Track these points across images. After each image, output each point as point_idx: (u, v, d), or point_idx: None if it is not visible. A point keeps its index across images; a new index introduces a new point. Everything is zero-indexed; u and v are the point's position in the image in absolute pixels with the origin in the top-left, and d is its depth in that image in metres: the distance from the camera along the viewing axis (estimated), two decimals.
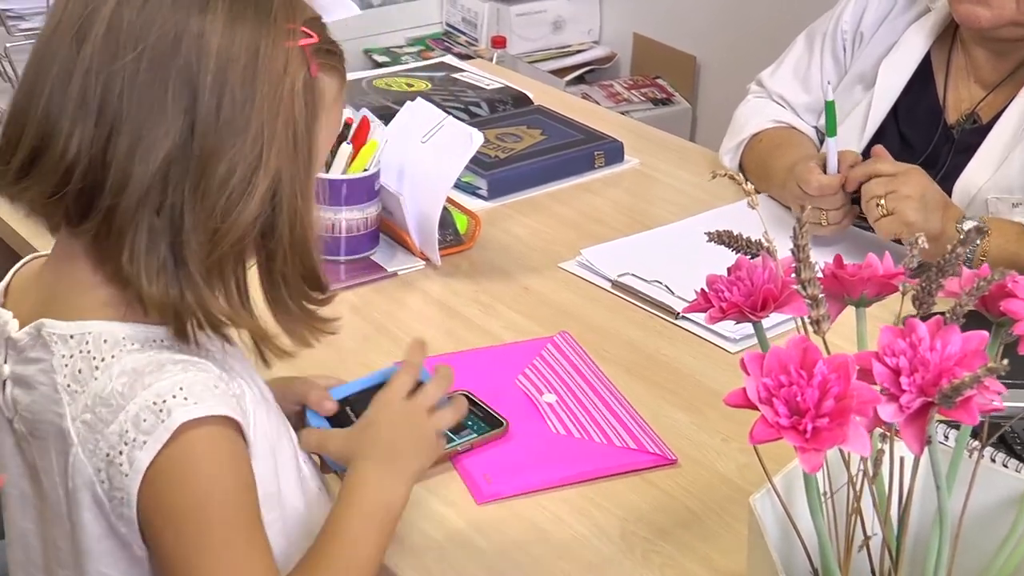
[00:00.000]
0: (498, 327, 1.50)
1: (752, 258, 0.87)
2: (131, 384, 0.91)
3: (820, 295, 0.78)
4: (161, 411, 0.89)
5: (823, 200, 1.60)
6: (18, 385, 0.98)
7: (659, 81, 3.39)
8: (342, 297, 1.54)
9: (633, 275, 1.58)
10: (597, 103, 3.27)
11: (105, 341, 0.93)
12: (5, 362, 0.99)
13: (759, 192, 1.81)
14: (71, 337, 0.94)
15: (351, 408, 1.15)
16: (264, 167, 0.90)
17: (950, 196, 1.60)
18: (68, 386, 0.94)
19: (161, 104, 0.88)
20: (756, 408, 0.72)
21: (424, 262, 1.63)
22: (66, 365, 0.94)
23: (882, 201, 1.51)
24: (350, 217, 1.58)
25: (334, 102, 0.99)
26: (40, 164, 0.91)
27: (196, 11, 0.90)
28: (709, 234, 0.90)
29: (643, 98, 3.32)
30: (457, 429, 1.26)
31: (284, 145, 0.92)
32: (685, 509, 1.20)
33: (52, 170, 0.90)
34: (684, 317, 1.50)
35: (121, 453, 0.90)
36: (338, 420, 1.14)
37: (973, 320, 0.80)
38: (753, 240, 0.88)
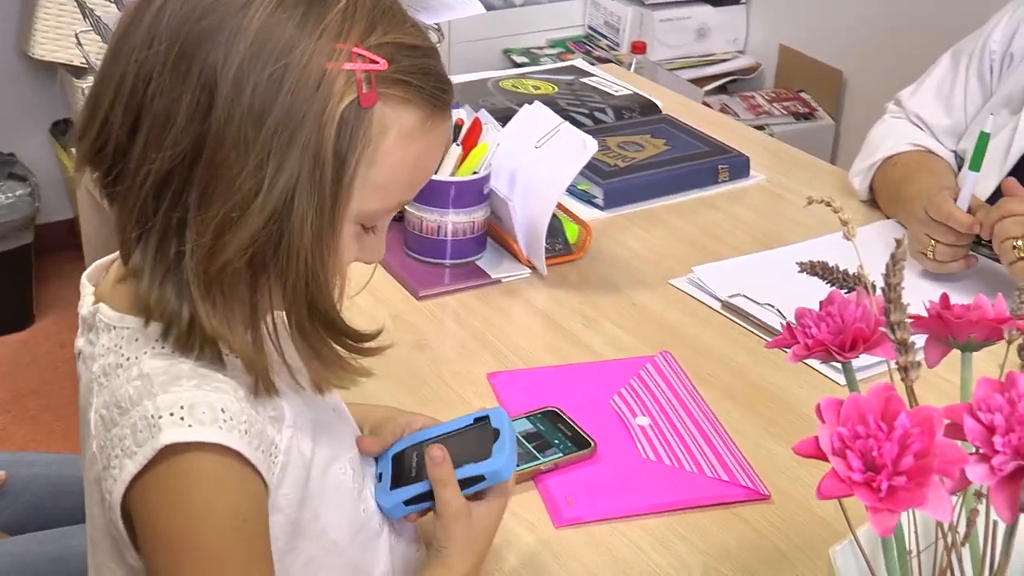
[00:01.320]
0: (599, 342, 1.45)
1: (847, 292, 0.80)
2: (140, 391, 0.87)
3: (911, 340, 0.71)
4: (154, 426, 0.85)
5: (945, 232, 1.51)
6: (83, 360, 0.98)
7: (803, 95, 3.28)
8: (443, 302, 1.52)
9: (745, 296, 1.51)
10: (737, 115, 3.19)
11: (136, 340, 0.91)
12: (80, 334, 0.99)
13: (888, 217, 1.74)
14: (113, 329, 0.92)
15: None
16: (266, 193, 0.83)
17: None
18: (99, 377, 0.92)
19: (179, 102, 0.84)
20: (827, 459, 0.65)
21: (530, 270, 1.59)
22: (102, 355, 0.93)
23: (1018, 243, 1.41)
24: (456, 220, 1.55)
25: (407, 138, 0.89)
26: (104, 149, 0.88)
27: (238, 9, 0.84)
28: (801, 264, 0.83)
29: (785, 112, 3.22)
30: (543, 447, 1.22)
31: (299, 175, 0.84)
32: (774, 548, 1.13)
33: (97, 148, 0.88)
34: None
35: (116, 458, 0.87)
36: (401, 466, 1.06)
37: None
38: (849, 273, 0.81)
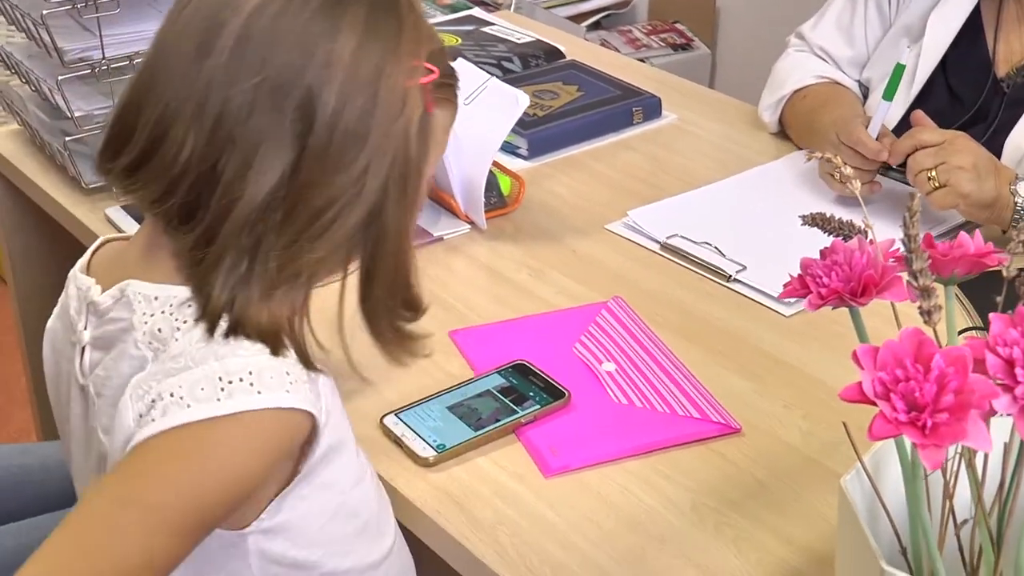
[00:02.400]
0: (550, 292, 1.49)
1: (846, 240, 0.86)
2: (205, 351, 0.90)
3: (932, 285, 0.77)
4: (223, 389, 0.88)
5: (853, 157, 1.58)
6: (96, 348, 0.99)
7: (678, 26, 3.35)
8: None
9: (682, 236, 1.57)
10: (617, 49, 3.24)
11: (189, 305, 0.93)
12: (85, 328, 0.99)
13: (800, 148, 1.81)
14: (155, 298, 0.95)
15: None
16: (360, 202, 0.90)
17: (1001, 152, 1.58)
18: (150, 343, 0.94)
19: (276, 134, 0.88)
20: (873, 403, 0.71)
21: (469, 226, 1.62)
22: (145, 323, 0.94)
23: (932, 174, 1.49)
24: None
25: (443, 133, 1.00)
26: (149, 167, 0.90)
27: (325, 40, 0.89)
28: (803, 217, 0.88)
29: (662, 44, 3.29)
30: (519, 400, 1.26)
31: (390, 183, 0.92)
32: (753, 479, 1.19)
33: (160, 175, 0.90)
34: (736, 280, 1.49)
35: (158, 403, 0.89)
36: None
37: None
38: (846, 222, 0.87)
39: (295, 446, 0.92)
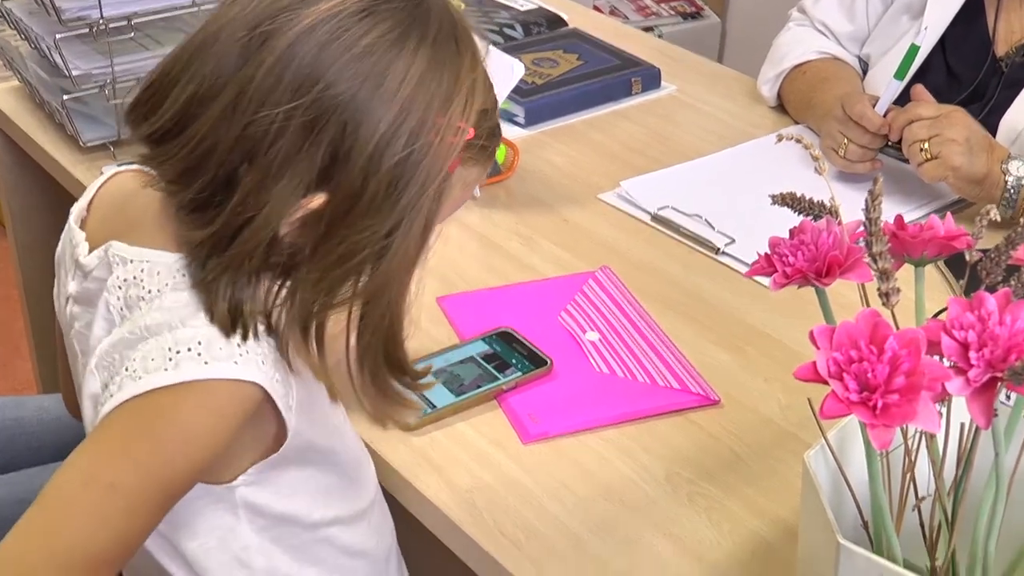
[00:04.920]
0: (538, 260, 1.51)
1: (815, 220, 0.87)
2: (161, 322, 0.90)
3: (890, 267, 0.78)
4: (171, 359, 0.88)
5: (857, 131, 1.59)
6: (77, 302, 1.00)
7: None
8: None
9: (673, 208, 1.58)
10: (626, 16, 3.23)
11: (158, 273, 0.93)
12: (72, 279, 1.01)
13: (797, 123, 1.82)
14: (131, 261, 0.95)
15: None
16: (392, 256, 0.89)
17: (996, 131, 1.58)
18: (120, 309, 0.95)
19: (303, 164, 0.85)
20: (826, 383, 0.72)
21: None
22: (119, 287, 0.95)
23: (925, 145, 1.50)
24: None
25: (464, 190, 0.97)
26: (172, 145, 0.89)
27: (371, 83, 0.85)
28: (773, 196, 0.89)
29: (672, 12, 3.28)
30: (502, 367, 1.27)
31: (410, 238, 0.89)
32: (729, 451, 1.21)
33: (180, 158, 0.88)
34: (725, 253, 1.50)
35: (115, 376, 0.90)
36: None
37: None
38: (816, 202, 0.88)
39: (248, 417, 0.92)
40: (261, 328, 0.91)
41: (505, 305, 1.41)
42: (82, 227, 1.03)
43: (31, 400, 1.52)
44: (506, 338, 1.32)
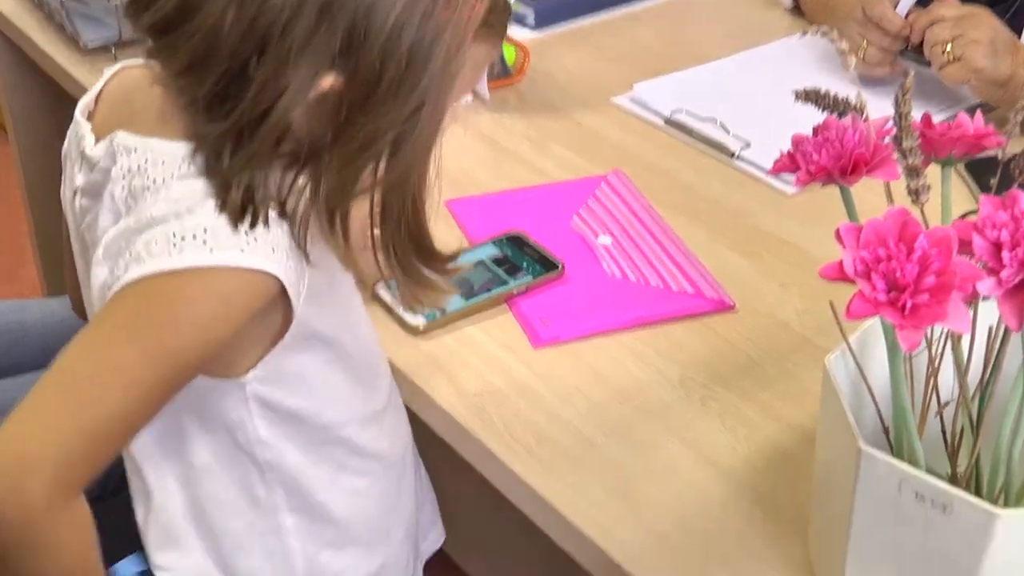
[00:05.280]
0: (550, 165, 1.48)
1: (840, 117, 0.84)
2: (167, 212, 0.88)
3: (920, 164, 0.76)
4: (175, 246, 0.86)
5: (877, 32, 1.55)
6: (85, 194, 0.99)
7: None
8: None
9: (687, 112, 1.55)
10: None
11: (163, 163, 0.91)
12: (80, 172, 0.99)
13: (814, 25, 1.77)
14: (135, 150, 0.93)
15: None
16: (410, 140, 0.87)
17: (1021, 33, 1.54)
18: (125, 199, 0.93)
19: (319, 49, 0.83)
20: (852, 282, 0.70)
21: (472, 96, 1.60)
22: (123, 177, 0.93)
23: (948, 47, 1.46)
24: None
25: (475, 70, 0.97)
26: (178, 33, 0.85)
27: None
28: (797, 92, 0.86)
29: None
30: (512, 271, 1.25)
31: (430, 120, 0.88)
32: (745, 356, 1.19)
33: (189, 47, 0.85)
34: (740, 157, 1.47)
35: (121, 261, 0.88)
36: None
37: None
38: (841, 98, 0.85)
39: (259, 308, 0.90)
40: (273, 215, 0.89)
41: (516, 209, 1.38)
42: (89, 119, 1.00)
43: (36, 303, 1.50)
44: (517, 242, 1.30)
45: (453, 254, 1.01)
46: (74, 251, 1.07)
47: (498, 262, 1.27)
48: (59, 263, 1.20)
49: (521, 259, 1.27)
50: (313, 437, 1.03)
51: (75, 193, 1.00)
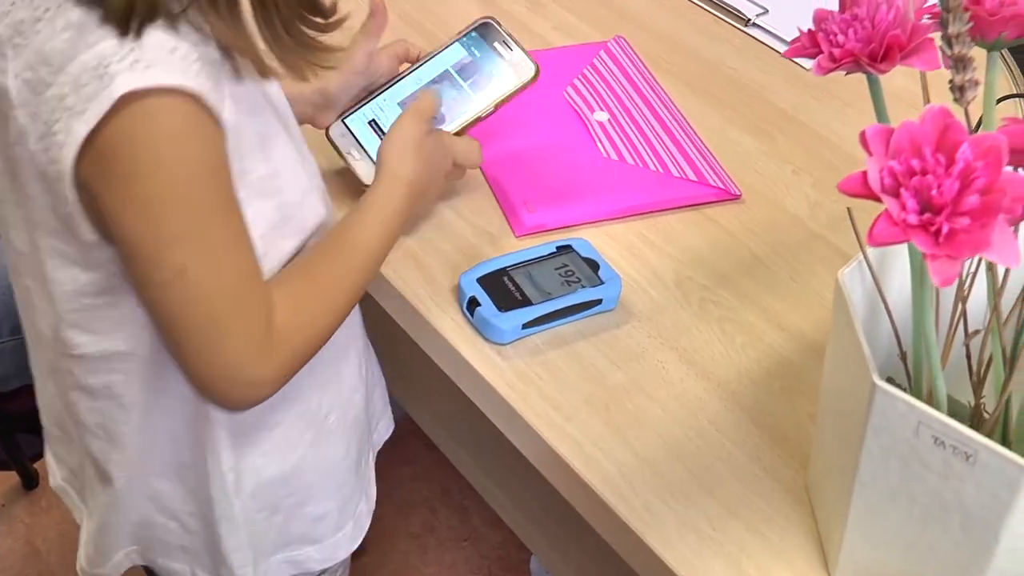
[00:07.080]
0: (547, 27, 1.34)
1: None
2: (74, 41, 0.76)
3: (968, 55, 0.62)
4: (103, 76, 0.74)
5: None
6: None
7: None
8: None
9: None
10: None
11: None
12: None
13: None
14: None
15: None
16: None
17: None
18: (11, 39, 0.80)
19: None
20: (877, 199, 0.58)
21: None
22: (7, 13, 0.80)
23: None
24: None
25: None
26: None
27: None
28: None
29: None
30: (479, 85, 1.08)
31: None
32: (748, 252, 1.07)
33: None
34: (755, 25, 1.33)
35: (59, 120, 0.76)
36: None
37: None
38: None
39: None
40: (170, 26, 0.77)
41: None
42: None
43: None
44: (486, 35, 1.10)
45: (342, 16, 0.88)
46: None
47: (464, 71, 1.09)
48: None
49: (491, 62, 1.09)
50: None
51: None
